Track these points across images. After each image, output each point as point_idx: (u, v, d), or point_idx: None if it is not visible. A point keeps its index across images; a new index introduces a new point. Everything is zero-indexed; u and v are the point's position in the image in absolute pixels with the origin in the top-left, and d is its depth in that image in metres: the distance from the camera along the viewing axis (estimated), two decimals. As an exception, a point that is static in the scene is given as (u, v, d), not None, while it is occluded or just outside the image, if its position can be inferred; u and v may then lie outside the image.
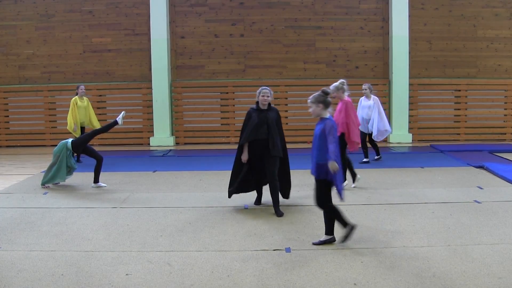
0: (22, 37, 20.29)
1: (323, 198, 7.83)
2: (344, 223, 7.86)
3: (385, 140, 19.60)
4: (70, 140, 12.34)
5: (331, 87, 11.07)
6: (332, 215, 7.90)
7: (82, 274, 6.78)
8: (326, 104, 7.81)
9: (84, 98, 15.59)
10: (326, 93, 7.85)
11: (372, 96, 14.69)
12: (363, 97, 14.85)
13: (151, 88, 19.74)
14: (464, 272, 6.58)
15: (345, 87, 11.16)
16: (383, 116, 14.59)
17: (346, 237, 7.84)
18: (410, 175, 13.18)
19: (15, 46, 20.33)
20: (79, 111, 15.34)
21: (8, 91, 20.12)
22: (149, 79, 19.88)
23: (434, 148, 17.93)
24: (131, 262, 7.19)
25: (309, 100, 7.89)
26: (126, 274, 6.76)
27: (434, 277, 6.46)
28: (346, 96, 11.25)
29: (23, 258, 7.41)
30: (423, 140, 19.56)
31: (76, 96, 15.43)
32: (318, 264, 7.01)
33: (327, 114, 7.84)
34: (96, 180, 12.19)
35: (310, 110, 7.88)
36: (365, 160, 14.71)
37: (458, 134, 19.76)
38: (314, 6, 19.90)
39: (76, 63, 20.27)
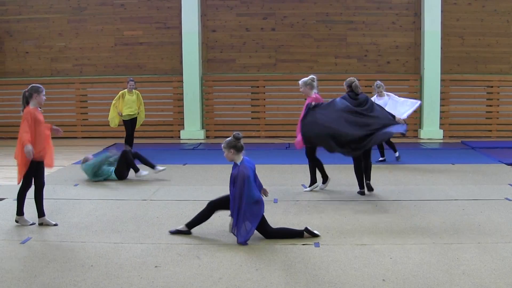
0: (55, 29, 20.45)
1: None
2: (297, 233, 8.02)
3: (416, 136, 19.50)
4: (113, 170, 12.34)
5: (300, 82, 10.96)
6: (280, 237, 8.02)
7: (112, 265, 6.84)
8: (238, 149, 7.93)
9: (134, 91, 15.55)
10: (237, 138, 7.94)
11: (385, 92, 14.26)
12: (374, 96, 14.20)
13: (182, 81, 19.79)
14: (494, 270, 6.53)
15: (315, 83, 10.88)
16: (402, 104, 13.98)
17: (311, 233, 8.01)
18: (440, 171, 13.09)
19: (47, 38, 20.50)
20: (127, 104, 15.32)
21: (40, 83, 20.19)
22: (180, 73, 19.93)
23: (465, 144, 17.78)
24: (160, 255, 7.24)
25: (222, 145, 8.02)
26: (155, 266, 6.80)
27: (463, 274, 6.42)
28: (313, 93, 10.90)
29: (53, 249, 7.49)
30: (454, 137, 19.37)
31: (125, 89, 15.46)
32: (346, 259, 7.00)
33: (239, 159, 7.95)
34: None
35: (224, 155, 8.03)
36: (381, 159, 14.46)
37: (490, 130, 19.56)
38: (345, 1, 19.79)
39: (107, 56, 20.40)
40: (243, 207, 7.70)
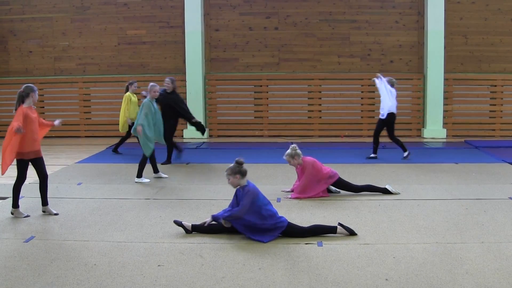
0: (58, 29, 20.46)
1: None
2: (330, 229, 8.07)
3: (419, 135, 19.49)
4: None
5: (285, 157, 10.60)
6: None
7: (115, 264, 6.84)
8: (243, 173, 8.13)
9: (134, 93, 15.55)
10: (240, 163, 8.09)
11: (380, 79, 14.53)
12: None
13: (185, 80, 19.78)
14: (498, 270, 6.52)
15: (298, 151, 10.52)
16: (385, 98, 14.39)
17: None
18: (444, 170, 13.07)
19: (51, 38, 20.51)
20: (133, 107, 15.27)
21: (44, 83, 20.30)
22: (183, 72, 19.93)
23: (468, 143, 17.75)
24: (163, 254, 7.24)
25: (226, 173, 8.19)
26: (158, 265, 6.80)
27: (467, 274, 6.41)
28: (302, 160, 10.56)
29: (56, 247, 7.50)
30: (458, 136, 19.34)
31: (129, 92, 15.35)
32: (349, 258, 7.00)
33: (245, 182, 8.14)
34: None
35: (228, 182, 8.22)
36: (372, 155, 14.69)
37: (493, 130, 19.53)
38: (349, 0, 19.77)
39: (110, 55, 20.41)
40: (256, 223, 7.92)
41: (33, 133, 9.03)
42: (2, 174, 9.11)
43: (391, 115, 14.40)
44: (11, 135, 8.78)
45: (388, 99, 14.29)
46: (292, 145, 10.67)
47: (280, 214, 8.10)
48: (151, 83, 12.57)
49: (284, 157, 10.66)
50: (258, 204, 7.91)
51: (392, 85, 14.43)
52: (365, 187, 10.67)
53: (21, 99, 9.02)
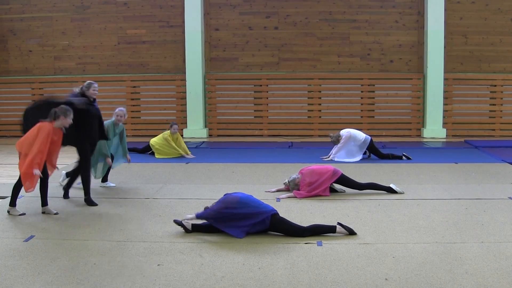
0: (58, 28, 20.46)
1: None
2: (329, 228, 8.08)
3: (419, 135, 19.49)
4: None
5: (293, 190, 10.60)
6: None
7: (114, 263, 6.84)
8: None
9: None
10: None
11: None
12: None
13: (185, 80, 19.80)
14: (497, 270, 6.52)
15: (290, 178, 10.56)
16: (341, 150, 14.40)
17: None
18: (443, 170, 13.07)
19: (51, 37, 20.52)
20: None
21: (44, 82, 20.31)
22: (183, 71, 19.94)
23: (468, 143, 17.76)
24: (163, 253, 7.23)
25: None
26: (158, 265, 6.80)
27: (466, 273, 6.41)
28: (300, 174, 10.62)
29: (56, 247, 7.49)
30: (457, 136, 19.36)
31: (169, 132, 15.30)
32: (349, 258, 6.99)
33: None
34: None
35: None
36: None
37: (493, 129, 19.53)
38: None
39: (110, 54, 20.40)
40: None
41: (49, 154, 9.01)
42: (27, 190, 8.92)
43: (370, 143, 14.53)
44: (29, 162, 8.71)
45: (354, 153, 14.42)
46: (284, 182, 10.77)
47: (280, 215, 8.09)
48: (121, 109, 12.03)
49: (294, 189, 10.65)
50: (232, 211, 7.97)
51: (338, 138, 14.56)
52: (369, 185, 10.70)
53: (54, 116, 8.95)
